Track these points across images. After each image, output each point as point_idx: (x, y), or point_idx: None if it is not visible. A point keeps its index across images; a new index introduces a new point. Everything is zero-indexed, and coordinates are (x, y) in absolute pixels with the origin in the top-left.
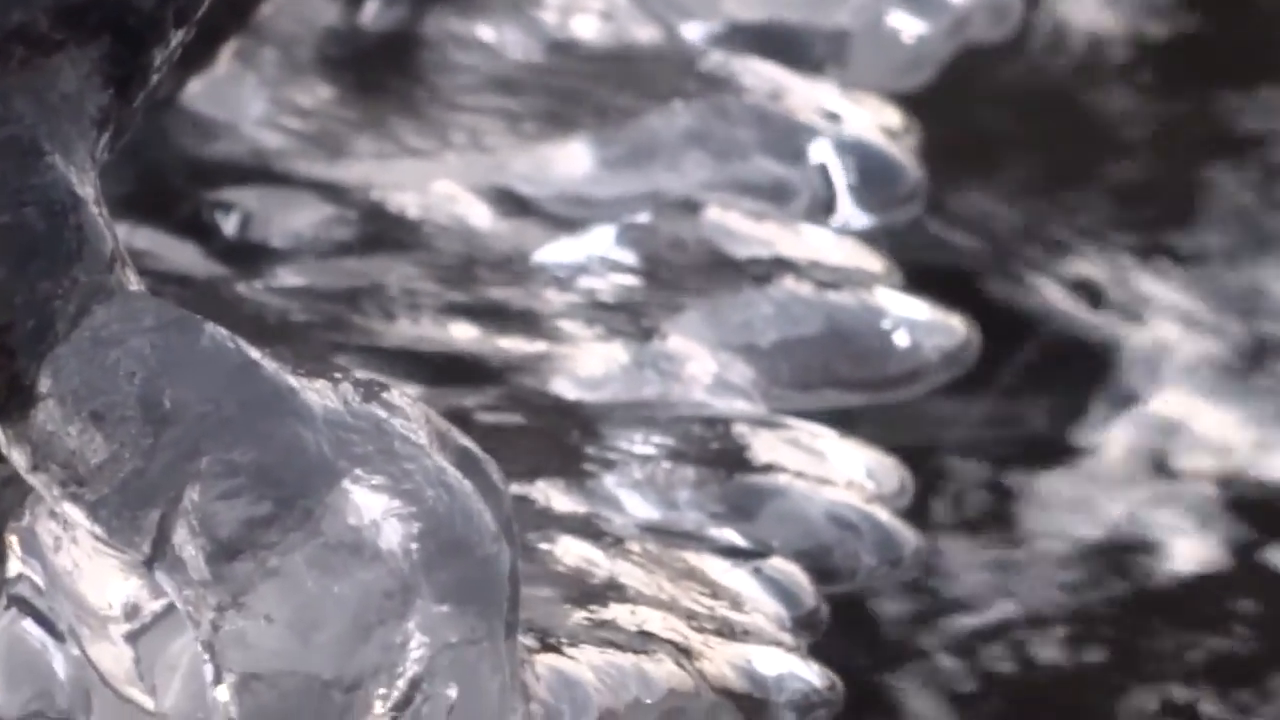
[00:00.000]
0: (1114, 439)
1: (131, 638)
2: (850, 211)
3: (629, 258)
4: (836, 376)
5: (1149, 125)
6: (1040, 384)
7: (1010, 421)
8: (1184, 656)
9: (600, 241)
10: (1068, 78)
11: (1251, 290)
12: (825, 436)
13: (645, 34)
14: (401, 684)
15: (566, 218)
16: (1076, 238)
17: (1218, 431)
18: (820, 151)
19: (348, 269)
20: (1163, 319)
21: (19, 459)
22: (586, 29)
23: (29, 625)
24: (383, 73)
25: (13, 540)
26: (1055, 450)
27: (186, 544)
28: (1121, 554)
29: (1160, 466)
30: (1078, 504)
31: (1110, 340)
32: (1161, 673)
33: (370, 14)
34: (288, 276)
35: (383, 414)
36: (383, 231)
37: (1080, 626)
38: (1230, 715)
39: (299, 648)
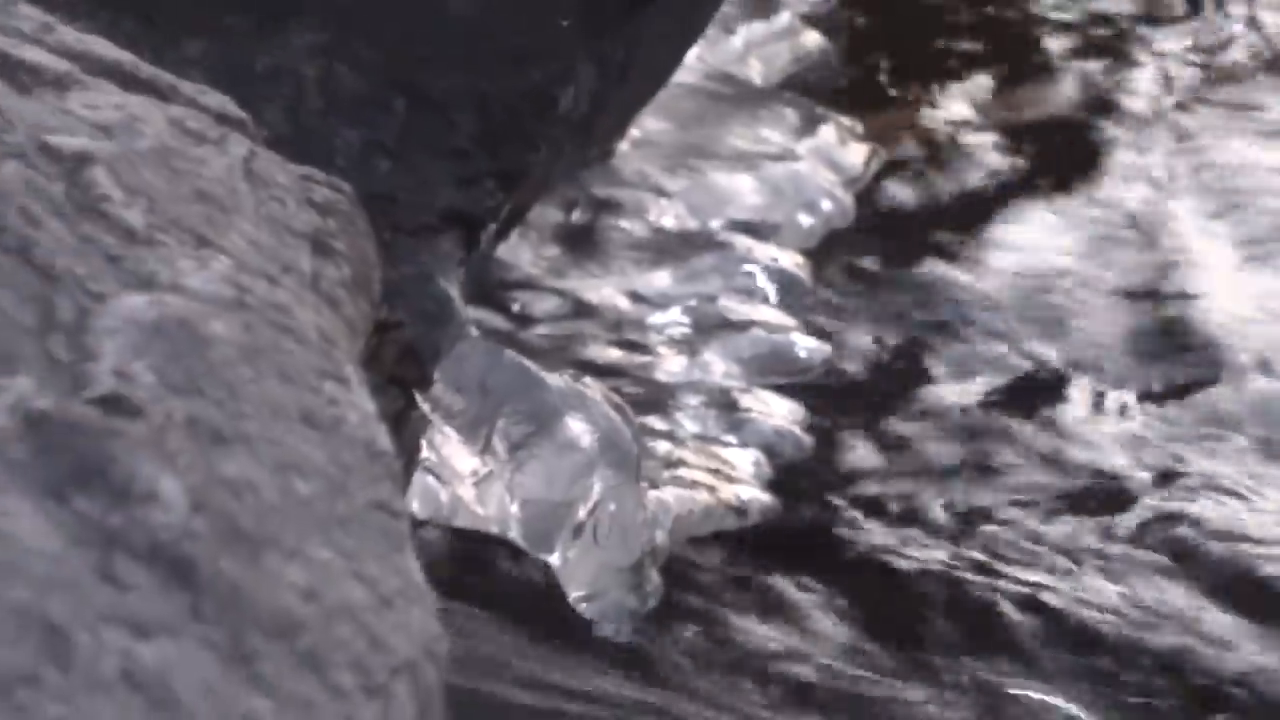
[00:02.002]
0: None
1: (476, 482)
2: None
3: None
4: None
5: None
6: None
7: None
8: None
9: None
10: None
11: None
12: None
13: None
14: (588, 504)
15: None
16: None
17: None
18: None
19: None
20: None
21: (425, 407)
22: None
23: (429, 478)
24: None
25: (423, 442)
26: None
27: (497, 448)
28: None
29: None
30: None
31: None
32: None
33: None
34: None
35: (581, 389)
36: None
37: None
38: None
39: (548, 487)
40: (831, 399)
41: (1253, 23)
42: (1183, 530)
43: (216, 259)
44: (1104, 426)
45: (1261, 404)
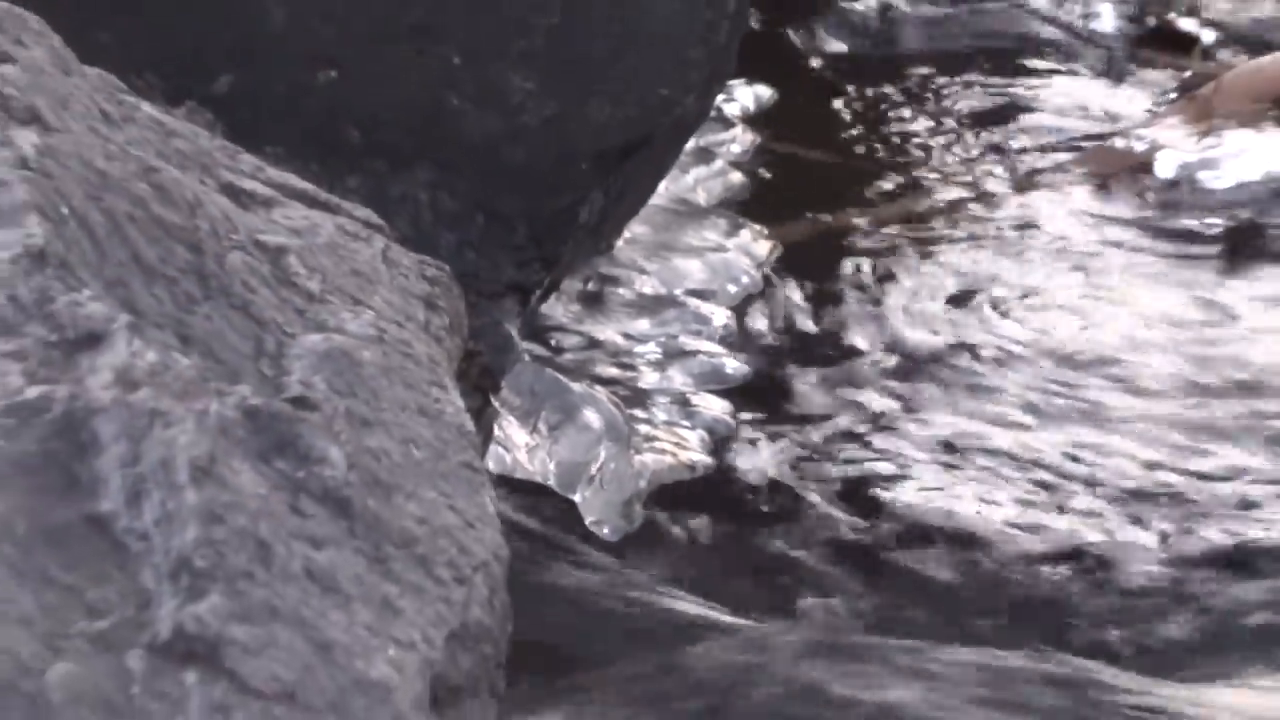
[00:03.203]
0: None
1: (528, 451)
2: None
3: None
4: None
5: None
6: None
7: None
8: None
9: None
10: None
11: None
12: None
13: None
14: (597, 464)
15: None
16: None
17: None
18: None
19: None
20: None
21: (496, 405)
22: None
23: (499, 448)
24: None
25: (495, 426)
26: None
27: (540, 429)
28: None
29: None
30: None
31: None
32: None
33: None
34: None
35: (593, 393)
36: None
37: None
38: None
39: (572, 453)
40: (750, 399)
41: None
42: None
43: (365, 312)
44: (958, 399)
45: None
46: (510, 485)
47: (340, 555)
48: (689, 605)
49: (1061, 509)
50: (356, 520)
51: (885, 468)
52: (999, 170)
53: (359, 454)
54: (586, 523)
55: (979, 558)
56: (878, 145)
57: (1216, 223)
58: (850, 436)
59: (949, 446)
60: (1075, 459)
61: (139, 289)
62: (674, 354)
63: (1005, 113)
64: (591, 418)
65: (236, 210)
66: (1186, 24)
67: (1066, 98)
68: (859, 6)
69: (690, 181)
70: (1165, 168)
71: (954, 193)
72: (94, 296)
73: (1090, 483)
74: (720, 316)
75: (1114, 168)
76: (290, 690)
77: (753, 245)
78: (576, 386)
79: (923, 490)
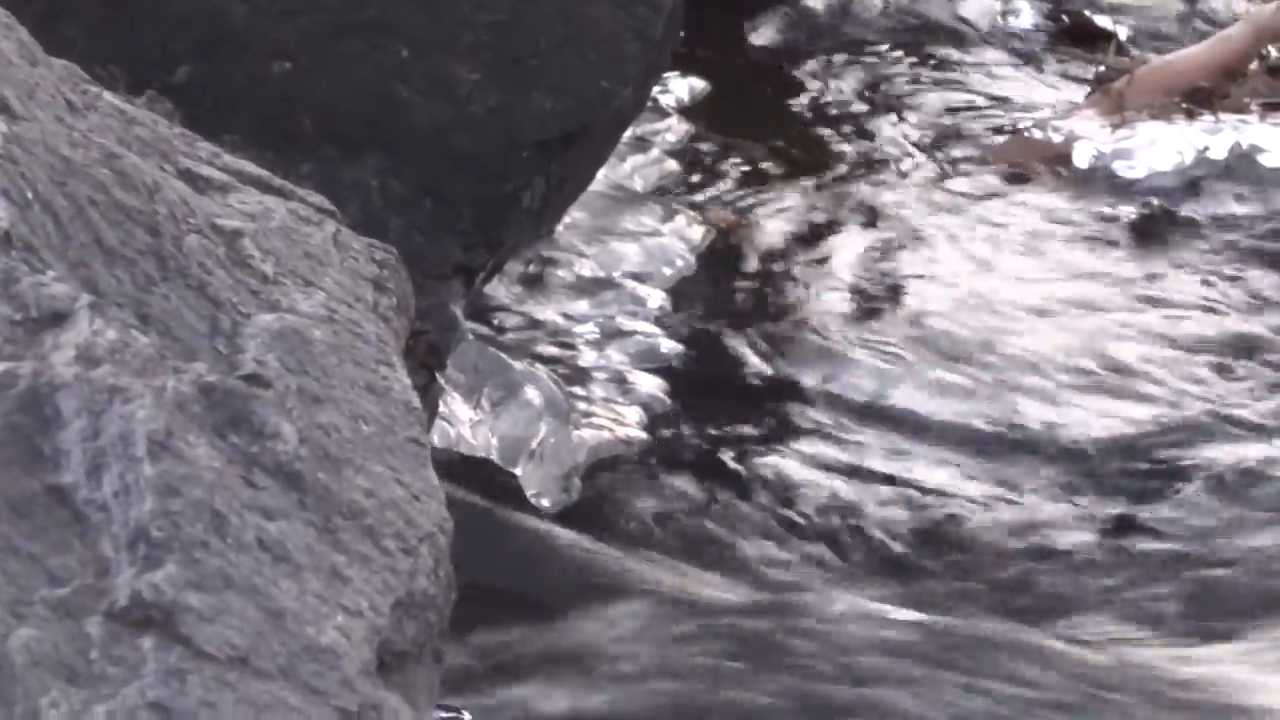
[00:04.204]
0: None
1: (472, 426)
2: None
3: None
4: None
5: None
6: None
7: None
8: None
9: None
10: None
11: None
12: None
13: None
14: (538, 439)
15: None
16: None
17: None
18: None
19: None
20: None
21: (442, 382)
22: None
23: (444, 424)
24: None
25: (440, 402)
26: None
27: (484, 406)
28: None
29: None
30: None
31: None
32: None
33: None
34: None
35: (534, 370)
36: None
37: None
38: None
39: (514, 429)
40: (683, 377)
41: None
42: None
43: (317, 293)
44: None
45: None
46: (457, 459)
47: (291, 526)
48: (628, 565)
49: (972, 475)
50: (307, 493)
51: (811, 437)
52: (921, 159)
53: (310, 429)
54: (527, 495)
55: (902, 516)
56: (806, 133)
57: (1130, 210)
58: (778, 409)
59: (868, 413)
60: (991, 427)
61: (100, 270)
62: (611, 334)
63: (928, 104)
64: (532, 394)
65: (194, 195)
66: (1101, 20)
67: (986, 90)
68: (813, 3)
69: (628, 169)
70: (1081, 158)
71: (878, 179)
72: (57, 277)
73: (991, 440)
74: (656, 298)
75: (1032, 157)
76: (243, 655)
77: (687, 230)
78: (518, 364)
79: (844, 454)
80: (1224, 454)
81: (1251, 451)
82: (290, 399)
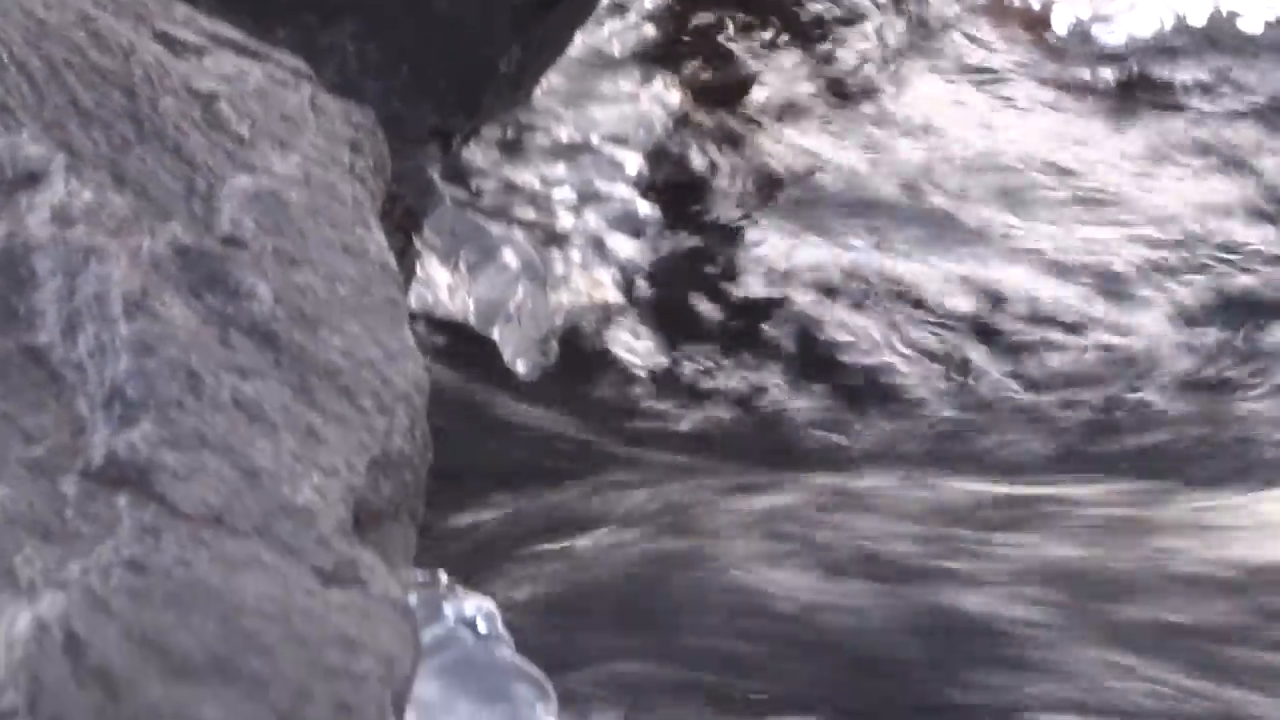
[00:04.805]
0: None
1: (449, 289)
2: None
3: None
4: None
5: None
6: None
7: None
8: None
9: None
10: None
11: None
12: None
13: None
14: (515, 302)
15: None
16: None
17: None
18: None
19: None
20: None
21: (418, 245)
22: None
23: (420, 287)
24: None
25: (417, 265)
26: None
27: (460, 269)
28: None
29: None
30: None
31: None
32: None
33: None
34: None
35: (511, 233)
36: None
37: None
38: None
39: (491, 292)
40: (660, 240)
41: None
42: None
43: (293, 155)
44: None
45: None
46: (434, 322)
47: (267, 386)
48: (606, 429)
49: (942, 327)
50: (283, 352)
51: (792, 299)
52: (899, 23)
53: (286, 289)
54: (504, 358)
55: (887, 376)
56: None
57: (1109, 75)
58: (758, 271)
59: (847, 274)
60: (961, 286)
61: (76, 131)
62: (589, 198)
63: None
64: (509, 258)
65: (170, 57)
66: None
67: None
68: None
69: (605, 34)
70: (1060, 22)
71: (857, 40)
72: (33, 138)
73: (960, 311)
74: (633, 162)
75: (1009, 21)
76: (218, 514)
77: (665, 94)
78: (495, 228)
79: (828, 313)
80: (1187, 312)
81: (1217, 306)
82: (266, 259)
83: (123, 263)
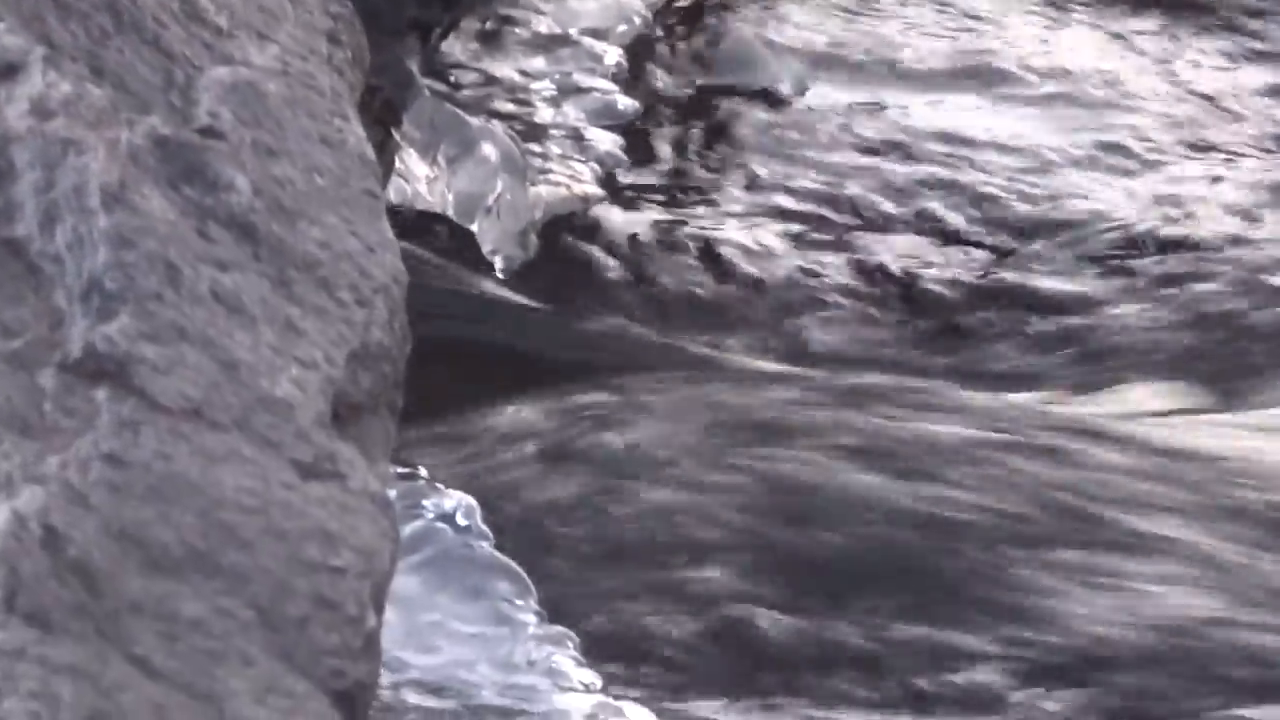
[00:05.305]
0: None
1: (428, 182)
2: None
3: None
4: None
5: None
6: None
7: None
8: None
9: None
10: None
11: None
12: None
13: None
14: (494, 195)
15: None
16: None
17: None
18: None
19: None
20: None
21: (397, 137)
22: None
23: (400, 180)
24: None
25: (396, 158)
26: None
27: (440, 162)
28: None
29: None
30: None
31: None
32: None
33: None
34: None
35: (490, 127)
36: None
37: None
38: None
39: (470, 184)
40: (638, 135)
41: None
42: None
43: (271, 46)
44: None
45: None
46: (413, 214)
47: (245, 278)
48: (585, 324)
49: (946, 236)
50: (261, 245)
51: (775, 190)
52: None
53: (264, 181)
54: (483, 251)
55: (871, 279)
56: None
57: None
58: (739, 163)
59: (835, 169)
60: (958, 190)
61: (54, 23)
62: (568, 91)
63: None
64: (489, 151)
65: None
66: None
67: None
68: None
69: None
70: None
71: None
72: (10, 30)
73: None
74: (613, 55)
75: None
76: (197, 407)
77: None
78: (475, 121)
79: (808, 205)
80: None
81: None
82: (244, 151)
83: (101, 155)
